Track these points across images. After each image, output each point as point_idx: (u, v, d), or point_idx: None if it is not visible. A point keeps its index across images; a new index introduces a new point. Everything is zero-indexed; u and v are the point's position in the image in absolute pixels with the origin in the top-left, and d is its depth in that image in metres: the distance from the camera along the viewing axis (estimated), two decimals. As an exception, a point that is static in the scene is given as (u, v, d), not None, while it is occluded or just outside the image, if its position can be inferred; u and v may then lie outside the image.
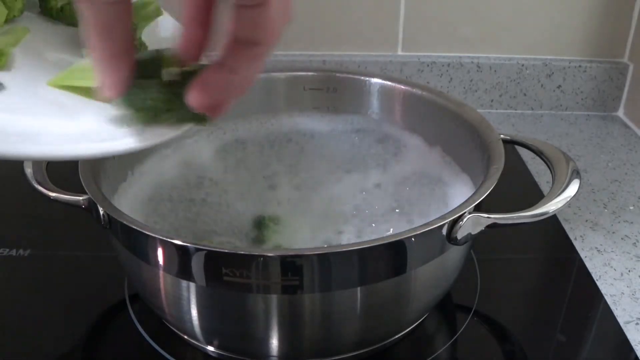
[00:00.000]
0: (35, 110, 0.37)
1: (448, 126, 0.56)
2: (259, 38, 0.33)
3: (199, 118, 0.36)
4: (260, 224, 0.50)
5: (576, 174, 0.46)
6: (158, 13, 0.48)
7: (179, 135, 0.37)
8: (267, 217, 0.51)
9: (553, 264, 0.59)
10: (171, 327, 0.47)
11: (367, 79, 0.61)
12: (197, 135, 0.60)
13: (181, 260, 0.40)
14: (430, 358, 0.47)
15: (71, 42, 0.45)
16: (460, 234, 0.41)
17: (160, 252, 0.40)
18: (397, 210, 0.52)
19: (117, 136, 0.36)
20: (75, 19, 0.48)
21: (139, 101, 0.35)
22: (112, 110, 0.36)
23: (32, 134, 0.35)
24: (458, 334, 0.49)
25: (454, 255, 0.44)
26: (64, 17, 0.48)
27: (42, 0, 0.48)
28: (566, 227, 0.63)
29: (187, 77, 0.35)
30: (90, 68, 0.38)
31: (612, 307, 0.52)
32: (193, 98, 0.34)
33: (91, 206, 0.44)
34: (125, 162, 0.53)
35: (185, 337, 0.47)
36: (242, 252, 0.39)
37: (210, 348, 0.46)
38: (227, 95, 0.35)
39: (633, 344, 0.48)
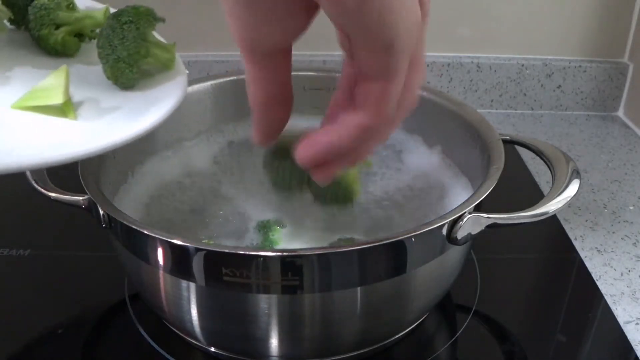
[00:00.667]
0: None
1: (448, 126, 0.56)
2: (367, 106, 0.32)
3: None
4: (264, 228, 0.50)
5: (576, 174, 0.46)
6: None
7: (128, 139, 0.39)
8: (271, 220, 0.50)
9: (553, 264, 0.59)
10: (171, 327, 0.47)
11: (367, 79, 0.61)
12: (197, 138, 0.60)
13: (181, 260, 0.40)
14: (430, 358, 0.47)
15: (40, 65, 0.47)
16: (460, 234, 0.41)
17: (160, 252, 0.40)
18: (397, 215, 0.52)
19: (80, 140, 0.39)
20: (75, 49, 0.49)
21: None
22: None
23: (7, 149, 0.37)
24: (458, 334, 0.49)
25: (454, 255, 0.44)
26: (65, 49, 0.48)
27: (40, 39, 0.48)
28: (566, 227, 0.63)
29: None
30: (52, 87, 0.40)
31: (612, 307, 0.52)
32: (298, 155, 0.34)
33: (91, 206, 0.44)
34: (125, 164, 0.53)
35: (185, 337, 0.47)
36: (242, 252, 0.39)
37: (210, 348, 0.46)
38: (332, 152, 0.34)
39: (633, 344, 0.48)
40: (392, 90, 0.31)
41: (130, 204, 0.52)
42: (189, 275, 0.40)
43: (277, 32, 0.32)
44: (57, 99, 0.41)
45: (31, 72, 0.46)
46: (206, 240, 0.48)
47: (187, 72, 0.48)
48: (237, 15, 0.30)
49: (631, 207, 0.67)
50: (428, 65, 0.88)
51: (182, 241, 0.38)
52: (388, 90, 0.31)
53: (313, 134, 0.34)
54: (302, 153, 0.34)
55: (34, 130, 0.40)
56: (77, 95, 0.43)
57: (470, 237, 0.42)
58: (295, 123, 0.63)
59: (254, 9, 0.30)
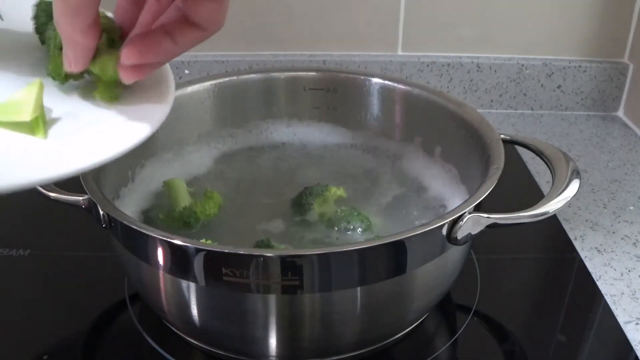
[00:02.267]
0: None
1: (448, 126, 0.56)
2: (208, 26, 0.37)
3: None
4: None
5: (576, 174, 0.46)
6: None
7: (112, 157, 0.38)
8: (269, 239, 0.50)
9: (553, 264, 0.59)
10: (171, 327, 0.47)
11: (367, 79, 0.61)
12: (197, 138, 0.60)
13: (181, 260, 0.40)
14: (430, 358, 0.47)
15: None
16: (460, 234, 0.41)
17: (160, 252, 0.40)
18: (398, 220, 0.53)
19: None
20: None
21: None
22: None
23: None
24: (458, 334, 0.49)
25: (454, 255, 0.44)
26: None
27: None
28: (566, 227, 0.63)
29: None
30: (21, 101, 0.38)
31: (612, 307, 0.52)
32: (128, 53, 0.36)
33: (91, 206, 0.44)
34: (126, 166, 0.53)
35: (185, 337, 0.47)
36: (242, 252, 0.39)
37: (211, 348, 0.46)
38: (158, 59, 0.37)
39: (633, 344, 0.48)
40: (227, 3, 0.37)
41: (131, 206, 0.53)
42: (189, 275, 0.40)
43: None
44: (25, 115, 0.37)
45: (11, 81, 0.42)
46: (204, 240, 0.48)
47: (175, 81, 0.45)
48: None
49: (631, 207, 0.67)
50: (428, 65, 0.88)
51: (182, 241, 0.38)
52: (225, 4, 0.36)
53: (140, 39, 0.37)
54: (131, 56, 0.36)
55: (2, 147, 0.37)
56: (56, 110, 0.40)
57: (470, 237, 0.42)
58: (295, 123, 0.64)
59: None
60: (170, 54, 0.37)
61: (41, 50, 0.45)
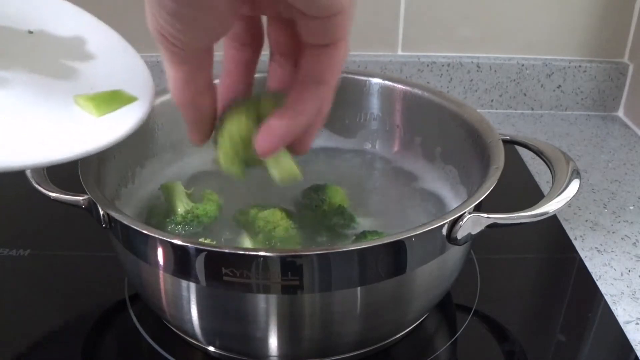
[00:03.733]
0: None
1: (448, 126, 0.56)
2: (327, 77, 0.34)
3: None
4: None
5: (576, 174, 0.46)
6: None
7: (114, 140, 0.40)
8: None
9: (553, 264, 0.59)
10: (171, 327, 0.47)
11: (367, 79, 0.61)
12: (200, 149, 0.60)
13: (181, 260, 0.40)
14: (430, 358, 0.47)
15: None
16: (460, 234, 0.41)
17: (160, 252, 0.40)
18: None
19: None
20: None
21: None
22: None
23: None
24: (458, 334, 0.49)
25: (454, 255, 0.44)
26: None
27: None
28: (566, 227, 0.63)
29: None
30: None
31: (612, 307, 0.52)
32: (259, 147, 0.34)
33: (91, 206, 0.44)
34: (125, 166, 0.53)
35: (185, 337, 0.47)
36: (242, 252, 0.39)
37: (210, 348, 0.46)
38: (293, 137, 0.35)
39: (633, 344, 0.48)
40: (345, 49, 0.33)
41: (131, 207, 0.53)
42: (189, 275, 0.40)
43: (210, 31, 0.31)
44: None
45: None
46: (202, 239, 0.48)
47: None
48: (172, 12, 0.29)
49: (631, 207, 0.67)
50: (428, 65, 0.88)
51: (183, 241, 0.38)
52: (344, 49, 0.33)
53: (271, 122, 0.34)
54: (263, 144, 0.34)
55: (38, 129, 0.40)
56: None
57: (470, 237, 0.42)
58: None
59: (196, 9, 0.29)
60: (299, 128, 0.35)
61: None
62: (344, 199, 0.53)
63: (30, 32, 0.50)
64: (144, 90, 0.48)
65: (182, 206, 0.51)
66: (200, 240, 0.47)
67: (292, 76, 0.35)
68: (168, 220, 0.51)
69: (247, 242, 0.48)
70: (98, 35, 0.52)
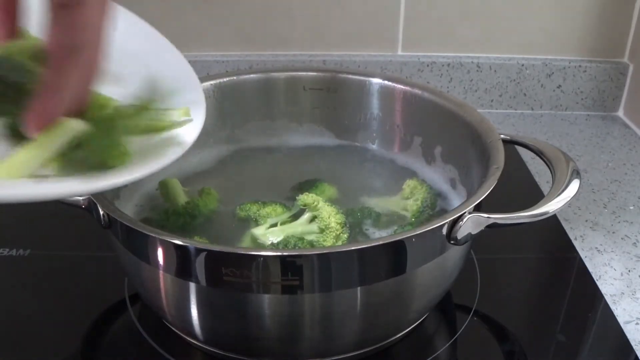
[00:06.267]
0: None
1: (448, 126, 0.56)
2: (82, 41, 0.31)
3: None
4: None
5: (576, 174, 0.46)
6: None
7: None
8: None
9: (553, 264, 0.59)
10: (171, 327, 0.47)
11: (367, 79, 0.61)
12: (197, 143, 0.60)
13: (181, 260, 0.40)
14: (430, 358, 0.47)
15: None
16: (460, 234, 0.41)
17: (160, 252, 0.40)
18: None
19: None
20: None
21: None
22: None
23: None
24: (458, 334, 0.49)
25: (454, 255, 0.44)
26: None
27: None
28: (566, 227, 0.63)
29: None
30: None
31: (612, 307, 0.52)
32: (29, 129, 0.32)
33: (91, 206, 0.44)
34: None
35: (185, 337, 0.47)
36: (242, 252, 0.39)
37: (210, 348, 0.46)
38: (63, 111, 0.33)
39: (633, 344, 0.48)
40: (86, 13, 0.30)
41: (131, 204, 0.53)
42: (189, 275, 0.40)
43: None
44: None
45: None
46: (198, 237, 0.48)
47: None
48: None
49: (631, 207, 0.67)
50: (428, 65, 0.88)
51: (183, 241, 0.38)
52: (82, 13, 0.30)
53: (33, 104, 0.32)
54: (34, 126, 0.32)
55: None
56: None
57: (470, 237, 0.42)
58: (295, 123, 0.64)
59: None
60: (67, 102, 0.33)
61: None
62: (335, 196, 0.55)
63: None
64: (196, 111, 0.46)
65: (180, 201, 0.53)
66: (199, 239, 0.47)
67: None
68: (170, 211, 0.52)
69: (262, 233, 0.49)
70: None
